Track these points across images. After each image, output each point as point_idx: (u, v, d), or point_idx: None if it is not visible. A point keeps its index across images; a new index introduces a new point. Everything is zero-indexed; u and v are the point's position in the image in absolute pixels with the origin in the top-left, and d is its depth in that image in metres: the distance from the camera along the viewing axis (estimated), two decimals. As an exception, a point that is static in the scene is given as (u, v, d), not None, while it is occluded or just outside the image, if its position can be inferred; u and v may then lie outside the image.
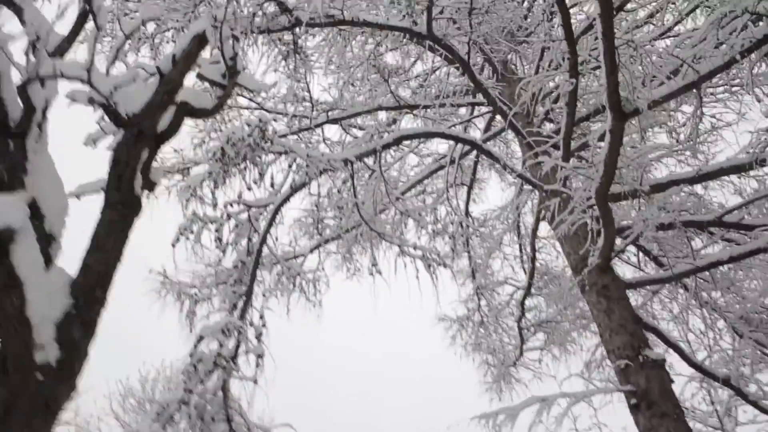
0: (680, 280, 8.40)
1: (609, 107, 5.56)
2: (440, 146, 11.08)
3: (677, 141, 8.98)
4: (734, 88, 8.68)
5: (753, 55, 5.09)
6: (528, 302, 10.40)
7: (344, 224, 10.13)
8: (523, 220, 10.82)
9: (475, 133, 10.88)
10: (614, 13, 5.15)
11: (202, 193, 5.31)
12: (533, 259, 9.88)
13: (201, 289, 8.25)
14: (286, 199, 5.74)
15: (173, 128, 2.74)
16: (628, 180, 6.40)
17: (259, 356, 5.06)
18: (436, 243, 9.56)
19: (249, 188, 5.10)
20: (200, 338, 5.01)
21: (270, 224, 5.65)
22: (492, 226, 11.76)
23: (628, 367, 6.55)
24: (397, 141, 6.32)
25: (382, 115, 9.76)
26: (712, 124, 8.76)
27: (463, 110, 10.95)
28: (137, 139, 2.49)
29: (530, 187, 10.22)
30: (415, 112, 9.82)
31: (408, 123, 11.39)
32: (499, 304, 10.96)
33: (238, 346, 5.05)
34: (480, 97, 10.19)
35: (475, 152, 11.11)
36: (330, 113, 8.90)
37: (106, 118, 2.57)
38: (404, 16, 6.92)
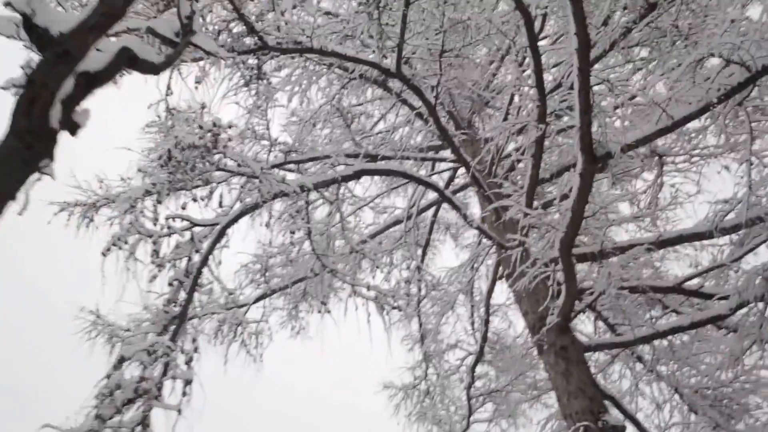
0: (636, 352, 8.15)
1: (580, 149, 5.37)
2: (398, 200, 10.82)
3: (638, 207, 8.94)
4: (694, 159, 8.78)
5: (727, 104, 5.01)
6: (479, 369, 9.94)
7: (292, 269, 9.64)
8: (478, 284, 10.49)
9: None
10: (590, 53, 5.03)
11: (143, 206, 4.83)
12: (487, 322, 9.52)
13: (136, 333, 7.55)
14: (234, 220, 5.27)
15: (109, 72, 2.34)
16: (593, 230, 6.16)
17: (188, 382, 4.43)
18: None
19: (195, 200, 4.65)
20: (121, 359, 4.39)
21: (214, 244, 5.15)
22: (444, 289, 11.39)
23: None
24: (358, 174, 5.99)
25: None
26: (672, 193, 8.77)
27: (423, 171, 10.79)
28: (61, 59, 2.07)
29: (486, 248, 9.98)
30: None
31: (367, 181, 11.18)
32: (448, 370, 10.45)
33: (164, 373, 4.44)
34: (442, 154, 10.08)
35: (432, 211, 10.90)
36: (288, 155, 8.56)
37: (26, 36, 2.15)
38: (373, 51, 6.75)
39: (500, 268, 9.20)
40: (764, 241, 7.37)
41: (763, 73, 4.90)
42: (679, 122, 5.12)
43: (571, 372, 6.71)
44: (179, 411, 4.37)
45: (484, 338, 9.34)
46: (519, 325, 10.25)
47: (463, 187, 9.99)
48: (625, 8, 6.04)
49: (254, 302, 9.96)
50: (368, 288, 6.63)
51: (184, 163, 4.48)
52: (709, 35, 4.88)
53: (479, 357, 9.62)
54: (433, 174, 10.21)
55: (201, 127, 4.49)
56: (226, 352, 9.74)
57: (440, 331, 10.85)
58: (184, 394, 4.43)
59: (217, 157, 4.75)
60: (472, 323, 10.18)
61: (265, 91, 6.34)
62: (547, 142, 8.06)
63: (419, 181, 6.53)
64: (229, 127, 4.91)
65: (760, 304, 7.06)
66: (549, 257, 6.53)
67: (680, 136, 8.68)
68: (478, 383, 10.28)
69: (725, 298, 7.24)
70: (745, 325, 7.62)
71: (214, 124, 4.57)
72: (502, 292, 10.72)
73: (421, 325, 11.51)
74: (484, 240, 9.71)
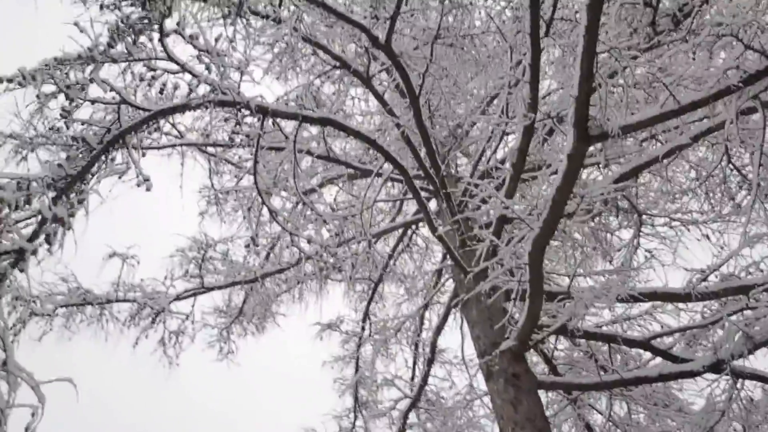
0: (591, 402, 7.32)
1: (573, 123, 4.81)
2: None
3: (610, 263, 8.37)
4: (674, 223, 8.32)
5: (741, 94, 4.54)
6: (411, 417, 8.92)
7: (231, 270, 8.75)
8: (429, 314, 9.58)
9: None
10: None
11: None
12: (430, 362, 8.61)
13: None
14: (173, 110, 4.45)
15: None
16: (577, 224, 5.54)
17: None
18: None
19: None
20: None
21: (140, 125, 4.28)
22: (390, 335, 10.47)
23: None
24: (323, 122, 5.29)
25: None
26: (647, 256, 8.25)
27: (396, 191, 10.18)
28: None
29: (441, 285, 9.24)
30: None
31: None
32: (379, 412, 9.38)
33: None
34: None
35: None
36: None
37: None
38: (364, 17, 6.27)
39: (452, 302, 8.44)
40: (740, 310, 6.80)
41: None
42: (686, 107, 4.61)
43: (521, 401, 5.85)
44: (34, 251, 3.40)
45: (425, 379, 8.40)
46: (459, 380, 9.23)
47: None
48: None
49: (184, 296, 8.99)
50: (309, 241, 5.80)
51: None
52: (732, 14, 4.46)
53: (415, 400, 8.63)
54: (405, 198, 9.59)
55: None
56: (137, 338, 8.69)
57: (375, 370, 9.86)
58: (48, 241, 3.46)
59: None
60: (414, 362, 9.22)
61: (245, 31, 5.74)
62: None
63: (388, 156, 5.87)
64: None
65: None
66: (514, 262, 5.82)
67: (663, 196, 8.29)
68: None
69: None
70: (713, 396, 6.94)
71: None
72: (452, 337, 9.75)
73: (357, 369, 10.54)
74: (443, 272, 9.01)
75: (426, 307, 9.17)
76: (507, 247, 5.81)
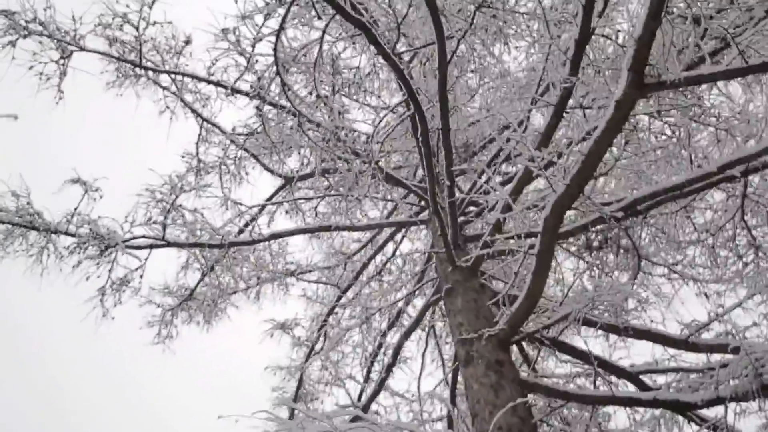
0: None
1: (629, 67, 4.42)
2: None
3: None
4: (673, 275, 7.88)
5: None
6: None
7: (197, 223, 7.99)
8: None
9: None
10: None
11: None
12: (389, 368, 7.80)
13: None
14: None
15: None
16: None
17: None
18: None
19: None
20: None
21: None
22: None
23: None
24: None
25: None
26: (637, 306, 7.74)
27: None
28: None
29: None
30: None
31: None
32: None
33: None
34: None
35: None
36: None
37: None
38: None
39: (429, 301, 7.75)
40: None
41: None
42: (754, 67, 4.27)
43: (503, 386, 5.14)
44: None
45: (382, 384, 7.55)
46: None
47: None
48: None
49: (140, 245, 8.12)
50: (318, 125, 5.12)
51: None
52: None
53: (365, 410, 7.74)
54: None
55: None
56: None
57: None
58: None
59: None
60: (370, 366, 8.29)
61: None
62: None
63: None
64: None
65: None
66: (526, 229, 5.27)
67: (669, 244, 7.88)
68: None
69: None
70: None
71: None
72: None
73: (300, 384, 9.62)
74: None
75: (398, 316, 8.40)
76: (521, 211, 5.27)
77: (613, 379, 6.52)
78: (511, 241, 5.50)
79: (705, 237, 7.55)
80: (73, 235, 7.85)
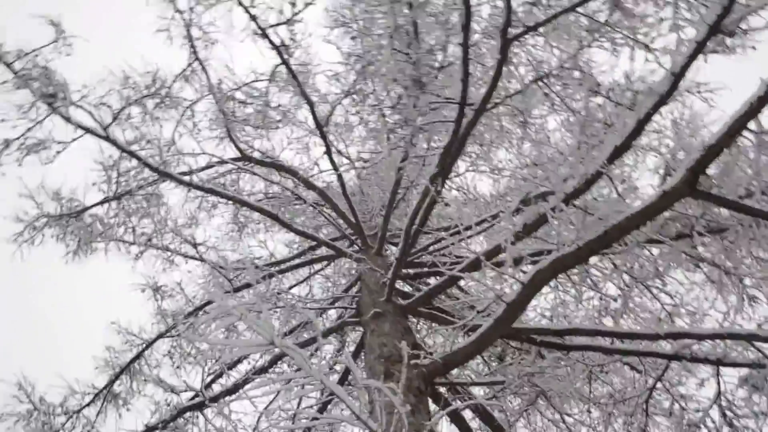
0: None
1: (688, 167, 4.46)
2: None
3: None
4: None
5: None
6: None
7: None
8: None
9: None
10: None
11: None
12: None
13: None
14: None
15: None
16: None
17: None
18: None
19: None
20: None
21: None
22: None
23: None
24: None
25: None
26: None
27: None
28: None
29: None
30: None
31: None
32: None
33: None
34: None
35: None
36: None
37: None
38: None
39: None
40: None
41: None
42: None
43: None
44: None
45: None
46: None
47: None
48: None
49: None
50: None
51: None
52: None
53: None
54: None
55: None
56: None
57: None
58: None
59: None
60: None
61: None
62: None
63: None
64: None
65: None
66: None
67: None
68: None
69: None
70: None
71: None
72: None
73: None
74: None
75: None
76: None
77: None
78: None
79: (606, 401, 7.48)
80: (15, 73, 6.91)
